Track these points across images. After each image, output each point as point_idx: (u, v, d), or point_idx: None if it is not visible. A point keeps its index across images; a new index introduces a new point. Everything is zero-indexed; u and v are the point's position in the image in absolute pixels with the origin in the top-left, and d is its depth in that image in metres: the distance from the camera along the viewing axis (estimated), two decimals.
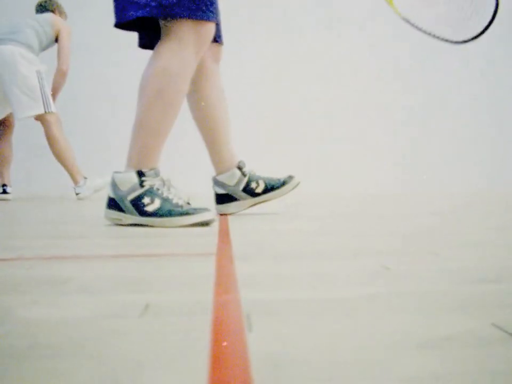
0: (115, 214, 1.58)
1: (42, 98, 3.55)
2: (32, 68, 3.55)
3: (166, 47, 1.62)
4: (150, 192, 1.55)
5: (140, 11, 1.58)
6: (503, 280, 0.74)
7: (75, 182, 3.65)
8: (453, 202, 3.10)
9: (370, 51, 5.11)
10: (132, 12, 1.60)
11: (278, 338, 0.47)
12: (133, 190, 1.56)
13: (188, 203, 1.59)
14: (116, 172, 1.61)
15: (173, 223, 1.52)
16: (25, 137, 4.56)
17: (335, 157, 5.06)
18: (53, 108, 3.60)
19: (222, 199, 2.00)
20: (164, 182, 1.60)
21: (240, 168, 1.99)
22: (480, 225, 1.60)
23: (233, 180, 1.98)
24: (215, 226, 1.54)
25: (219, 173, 2.00)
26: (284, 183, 1.99)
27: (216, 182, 2.00)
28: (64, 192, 4.23)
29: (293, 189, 2.01)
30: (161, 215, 1.53)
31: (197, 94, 1.94)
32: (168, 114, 1.61)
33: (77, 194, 3.66)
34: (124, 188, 1.56)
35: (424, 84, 5.16)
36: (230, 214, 2.01)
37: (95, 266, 0.87)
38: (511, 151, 5.29)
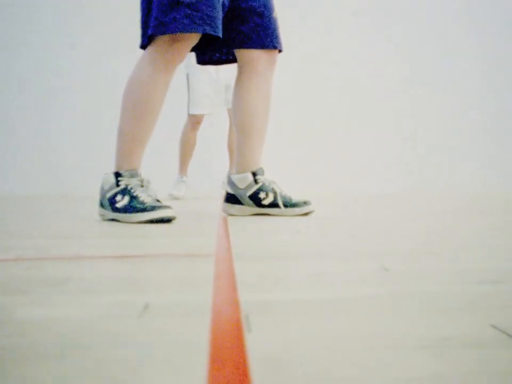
0: (101, 210, 1.73)
1: (188, 100, 3.70)
2: (185, 71, 3.69)
3: (140, 59, 1.75)
4: (123, 191, 1.68)
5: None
6: (502, 281, 0.74)
7: (182, 173, 3.71)
8: (453, 203, 3.10)
9: (375, 55, 5.11)
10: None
11: (277, 339, 0.47)
12: (110, 188, 1.70)
13: (158, 200, 1.66)
14: (104, 173, 1.75)
15: (133, 218, 1.62)
16: (25, 138, 4.55)
17: (334, 158, 5.06)
18: (191, 109, 3.67)
19: (229, 198, 2.01)
20: (141, 183, 1.71)
21: (254, 174, 1.98)
22: (479, 226, 1.60)
23: (243, 184, 1.97)
24: (214, 227, 1.54)
25: (235, 172, 2.02)
26: (294, 205, 1.93)
27: (229, 181, 2.03)
28: (64, 192, 4.23)
29: (301, 214, 1.92)
30: (125, 211, 1.64)
31: (241, 94, 1.98)
32: (139, 120, 1.73)
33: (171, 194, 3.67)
34: (105, 187, 1.72)
35: (429, 88, 5.16)
36: (231, 214, 2.01)
37: (94, 267, 0.87)
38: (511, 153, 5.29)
